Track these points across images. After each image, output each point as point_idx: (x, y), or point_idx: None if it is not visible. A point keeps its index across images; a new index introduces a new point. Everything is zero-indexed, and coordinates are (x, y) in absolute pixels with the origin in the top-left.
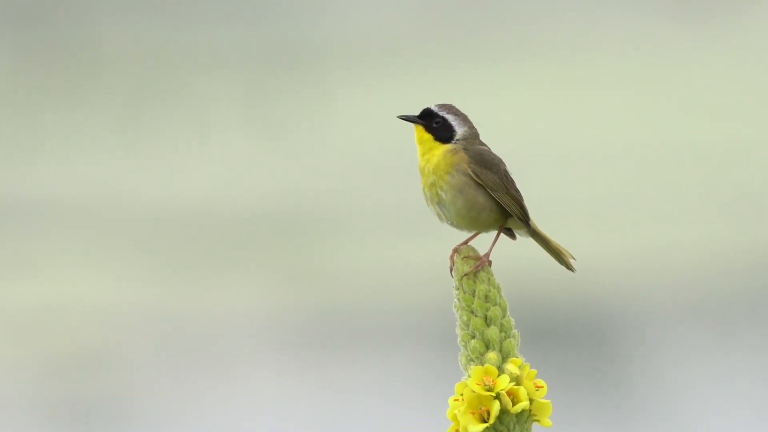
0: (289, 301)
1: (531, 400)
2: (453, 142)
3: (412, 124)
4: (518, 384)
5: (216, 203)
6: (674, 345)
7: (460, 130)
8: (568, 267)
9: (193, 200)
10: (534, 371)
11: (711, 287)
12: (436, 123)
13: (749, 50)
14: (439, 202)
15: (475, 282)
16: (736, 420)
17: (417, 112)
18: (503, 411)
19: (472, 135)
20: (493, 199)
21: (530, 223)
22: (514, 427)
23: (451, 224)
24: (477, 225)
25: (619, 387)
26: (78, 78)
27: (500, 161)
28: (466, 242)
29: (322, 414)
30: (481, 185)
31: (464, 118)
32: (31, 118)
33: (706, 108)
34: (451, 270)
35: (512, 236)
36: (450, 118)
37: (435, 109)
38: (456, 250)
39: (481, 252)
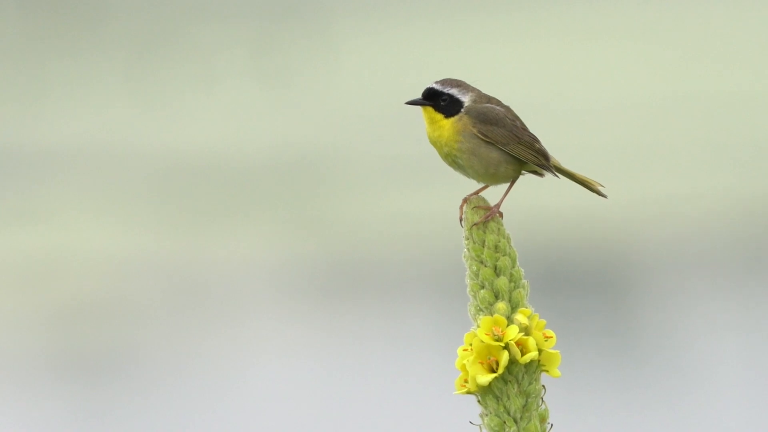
0: (297, 251)
1: (540, 351)
2: (461, 112)
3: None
4: (527, 334)
5: (222, 153)
6: (684, 294)
7: (466, 99)
8: (599, 194)
9: (198, 150)
10: (543, 321)
11: (721, 236)
12: (444, 101)
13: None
14: (459, 167)
15: (484, 232)
16: (744, 367)
17: (418, 88)
18: (512, 361)
19: (475, 98)
20: (506, 152)
21: (551, 162)
22: (523, 377)
23: (478, 181)
24: (499, 179)
25: (629, 336)
26: (84, 27)
27: (505, 112)
28: (476, 192)
29: (331, 363)
30: (491, 142)
31: (466, 87)
32: (38, 68)
33: (718, 58)
34: (461, 220)
35: (541, 174)
36: (455, 92)
37: (439, 87)
38: (466, 200)
39: (492, 202)
